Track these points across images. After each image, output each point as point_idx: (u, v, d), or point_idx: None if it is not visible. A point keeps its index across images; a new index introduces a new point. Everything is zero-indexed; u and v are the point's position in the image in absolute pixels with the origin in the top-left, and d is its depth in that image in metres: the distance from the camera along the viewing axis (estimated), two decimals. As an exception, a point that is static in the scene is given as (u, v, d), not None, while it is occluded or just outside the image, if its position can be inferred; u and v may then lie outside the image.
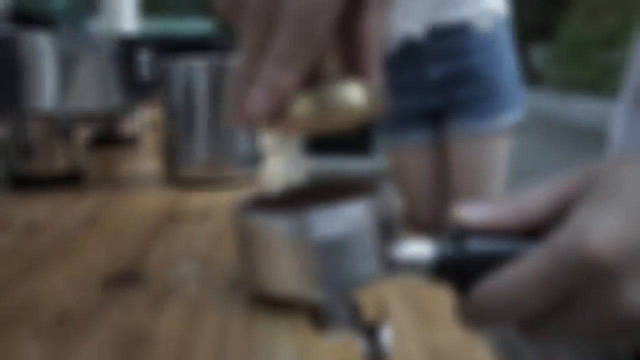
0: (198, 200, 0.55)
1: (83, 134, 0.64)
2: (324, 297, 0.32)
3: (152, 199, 0.56)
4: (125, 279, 0.36)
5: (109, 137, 0.84)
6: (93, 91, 0.60)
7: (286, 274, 0.32)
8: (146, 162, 0.76)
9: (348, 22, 0.35)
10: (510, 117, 1.44)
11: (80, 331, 0.29)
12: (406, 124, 1.47)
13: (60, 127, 0.60)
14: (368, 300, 0.42)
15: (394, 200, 0.34)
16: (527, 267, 0.31)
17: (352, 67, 0.37)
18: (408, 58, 1.40)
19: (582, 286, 0.30)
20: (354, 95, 0.33)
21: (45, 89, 0.57)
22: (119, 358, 0.27)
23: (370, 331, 0.37)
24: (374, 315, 0.39)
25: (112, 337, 0.29)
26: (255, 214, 0.32)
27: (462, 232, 0.35)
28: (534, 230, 0.34)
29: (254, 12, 0.31)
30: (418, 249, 0.36)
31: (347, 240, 0.31)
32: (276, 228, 0.31)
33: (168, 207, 0.53)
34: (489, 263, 0.34)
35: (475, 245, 0.35)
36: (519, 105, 1.46)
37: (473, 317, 0.34)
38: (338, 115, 0.33)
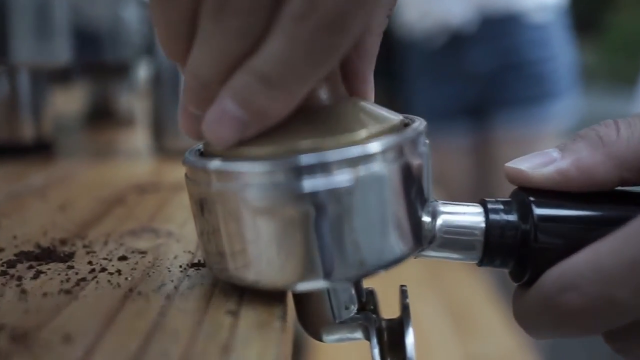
0: (178, 172, 0.45)
1: (69, 102, 0.56)
2: (324, 286, 0.21)
3: (126, 170, 0.47)
4: (43, 256, 0.27)
5: (106, 111, 0.75)
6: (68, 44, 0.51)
7: (265, 254, 0.20)
8: (140, 136, 0.67)
9: None
10: (562, 117, 1.30)
11: None
12: (448, 118, 1.34)
13: (29, 93, 0.51)
14: (386, 289, 0.31)
15: (423, 138, 0.23)
16: (625, 245, 0.20)
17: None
18: (453, 49, 1.26)
19: None
20: None
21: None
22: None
23: (387, 332, 0.27)
24: (393, 312, 0.29)
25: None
26: (215, 160, 0.21)
27: (526, 195, 0.23)
28: (632, 191, 0.23)
29: None
30: (463, 217, 0.24)
31: (359, 198, 0.20)
32: (247, 179, 0.20)
33: (142, 178, 0.44)
34: (567, 239, 0.22)
35: (547, 213, 0.23)
36: (572, 105, 1.31)
37: (539, 316, 0.23)
38: None
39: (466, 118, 1.33)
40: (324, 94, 0.24)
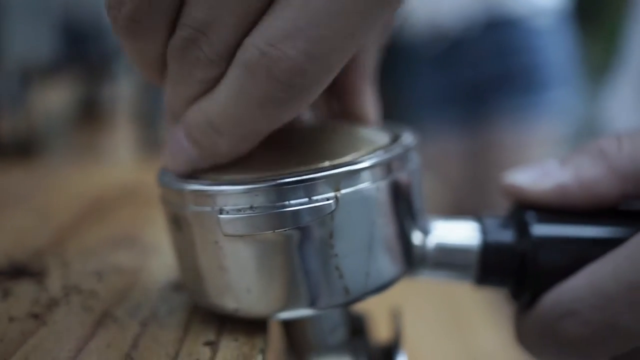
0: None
1: (53, 98, 0.54)
2: (309, 314, 0.20)
3: (112, 170, 0.46)
4: (14, 273, 0.25)
5: (93, 108, 0.73)
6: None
7: (245, 280, 0.19)
8: (129, 132, 0.65)
9: None
10: (559, 121, 1.28)
11: None
12: (443, 119, 1.32)
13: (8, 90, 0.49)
14: (376, 313, 0.30)
15: (413, 154, 0.22)
16: (627, 265, 0.19)
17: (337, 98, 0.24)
18: (450, 55, 1.24)
19: None
20: None
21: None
22: None
23: (378, 358, 0.25)
24: (385, 336, 0.27)
25: None
26: (192, 182, 0.19)
27: (524, 213, 0.22)
28: (635, 209, 0.22)
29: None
30: (457, 236, 0.23)
31: (344, 219, 0.19)
32: (227, 203, 0.18)
33: (127, 178, 0.42)
34: (568, 260, 0.21)
35: (546, 234, 0.22)
36: (570, 109, 1.29)
37: (540, 341, 0.22)
38: None
39: (461, 122, 1.31)
40: (307, 117, 0.22)
